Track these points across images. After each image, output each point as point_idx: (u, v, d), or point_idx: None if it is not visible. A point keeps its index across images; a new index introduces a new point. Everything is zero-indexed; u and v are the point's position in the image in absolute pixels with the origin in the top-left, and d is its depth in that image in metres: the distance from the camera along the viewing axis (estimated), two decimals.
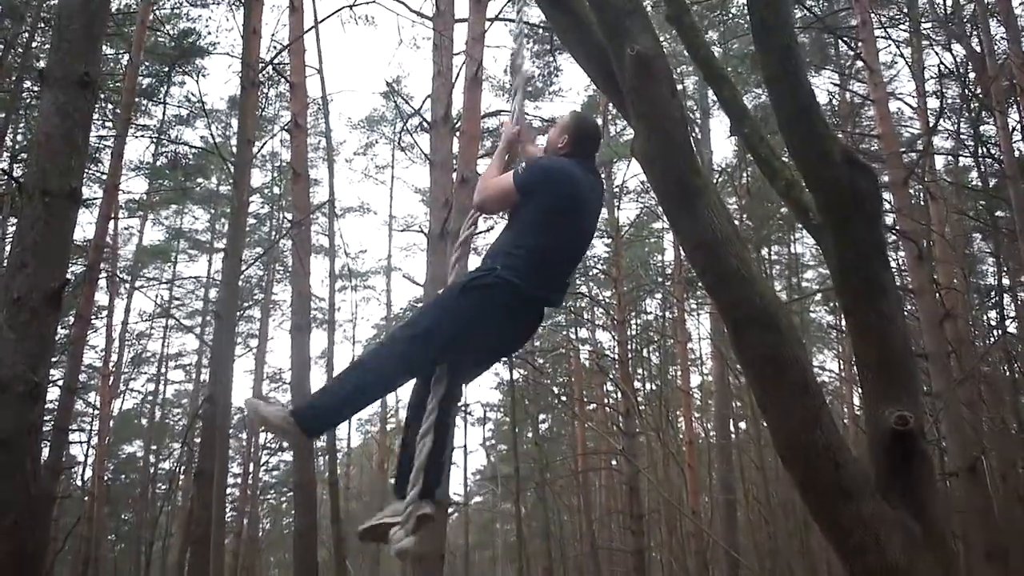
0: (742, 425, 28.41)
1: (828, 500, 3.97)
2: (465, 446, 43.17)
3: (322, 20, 13.77)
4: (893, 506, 3.97)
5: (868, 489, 3.97)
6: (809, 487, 4.08)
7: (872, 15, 15.36)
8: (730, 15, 19.99)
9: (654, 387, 28.60)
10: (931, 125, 15.33)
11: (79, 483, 30.73)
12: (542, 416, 30.56)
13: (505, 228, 3.93)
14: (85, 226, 24.33)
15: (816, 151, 4.07)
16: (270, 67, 15.65)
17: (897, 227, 14.17)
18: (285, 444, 27.90)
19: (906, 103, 18.46)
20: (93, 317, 25.68)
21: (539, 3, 4.56)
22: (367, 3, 12.02)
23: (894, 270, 20.42)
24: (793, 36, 4.20)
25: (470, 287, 3.62)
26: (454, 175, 11.76)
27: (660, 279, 27.39)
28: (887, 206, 16.60)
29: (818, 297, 23.94)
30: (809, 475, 4.04)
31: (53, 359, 23.10)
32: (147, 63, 21.34)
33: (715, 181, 21.48)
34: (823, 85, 21.58)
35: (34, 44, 15.69)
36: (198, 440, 13.11)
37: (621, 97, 4.28)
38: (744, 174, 22.68)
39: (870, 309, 4.12)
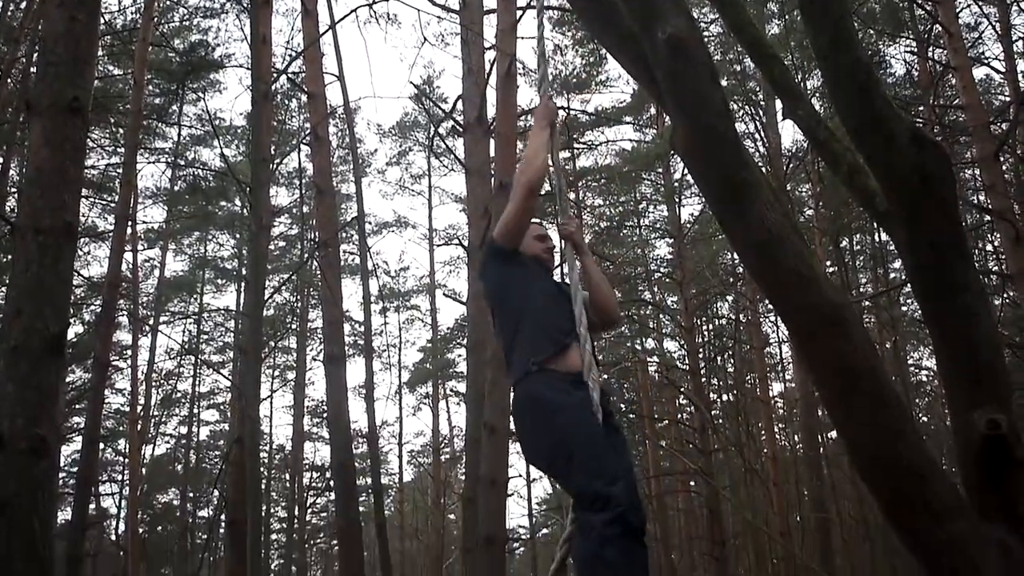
0: (831, 435, 28.05)
1: (915, 520, 3.88)
2: (528, 474, 43.19)
3: (338, 21, 13.79)
4: (990, 523, 3.86)
5: (960, 506, 3.87)
6: (893, 507, 3.99)
7: None
8: None
9: (731, 398, 28.28)
10: (1022, 91, 15.02)
11: (113, 538, 31.11)
12: None
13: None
14: (102, 261, 24.71)
15: (878, 134, 3.97)
16: (284, 77, 15.76)
17: (989, 207, 13.89)
18: (331, 484, 28.03)
19: (993, 68, 18.10)
20: (116, 358, 26.12)
21: None
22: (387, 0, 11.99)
23: (990, 253, 20.16)
24: (846, 5, 4.10)
25: None
26: (492, 181, 11.69)
27: (730, 279, 27.11)
28: (977, 184, 16.32)
29: (908, 288, 23.55)
30: (893, 494, 3.95)
31: (77, 407, 23.40)
32: (157, 82, 21.64)
33: (785, 167, 21.23)
34: (899, 55, 21.26)
35: (32, 70, 15.93)
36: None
37: (657, 86, 4.20)
38: (818, 158, 22.41)
39: (949, 306, 4.02)
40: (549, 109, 4.41)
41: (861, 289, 26.06)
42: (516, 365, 4.01)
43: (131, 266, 23.26)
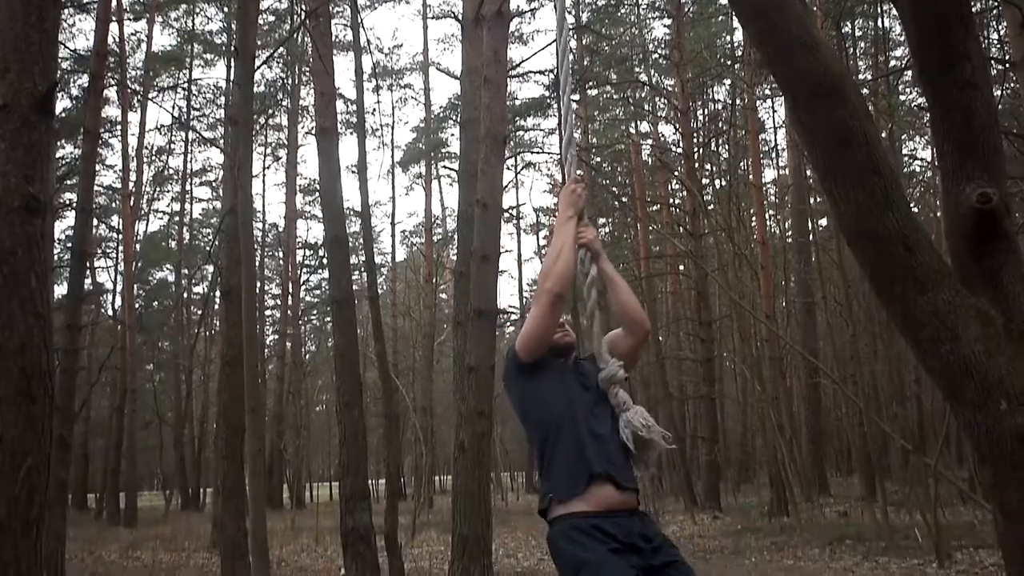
0: (822, 222, 28.26)
1: (899, 288, 3.94)
2: (519, 255, 43.73)
3: None
4: (973, 294, 3.93)
5: (944, 276, 3.92)
6: (879, 275, 4.05)
7: None
8: None
9: (723, 183, 28.35)
10: None
11: (110, 312, 31.75)
12: (601, 220, 30.61)
13: None
14: (88, 34, 24.17)
15: None
16: None
17: None
18: (324, 261, 28.30)
19: None
20: (106, 133, 25.94)
21: None
22: None
23: (995, 41, 19.83)
24: None
25: None
26: None
27: (728, 62, 26.72)
28: None
29: (908, 76, 23.26)
30: (879, 262, 4.00)
31: (69, 181, 23.38)
32: None
33: None
34: None
35: None
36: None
37: None
38: None
39: (949, 77, 3.97)
40: (576, 194, 3.70)
41: (861, 76, 25.72)
42: (543, 491, 3.48)
43: (117, 39, 22.82)
